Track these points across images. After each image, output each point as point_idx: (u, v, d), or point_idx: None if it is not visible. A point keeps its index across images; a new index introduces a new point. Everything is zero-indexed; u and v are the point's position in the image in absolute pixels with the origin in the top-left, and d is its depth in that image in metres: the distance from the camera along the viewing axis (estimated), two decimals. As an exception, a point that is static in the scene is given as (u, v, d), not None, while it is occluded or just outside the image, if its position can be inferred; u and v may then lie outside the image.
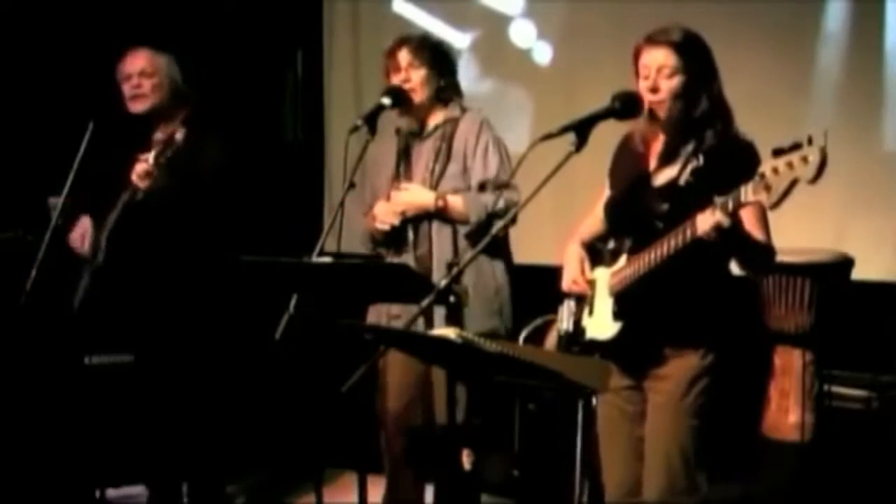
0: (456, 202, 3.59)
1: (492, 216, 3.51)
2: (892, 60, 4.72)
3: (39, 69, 5.00)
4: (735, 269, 2.90)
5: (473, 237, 3.54)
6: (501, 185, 3.56)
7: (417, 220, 3.64)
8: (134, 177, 3.74)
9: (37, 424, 4.23)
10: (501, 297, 3.66)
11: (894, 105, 4.75)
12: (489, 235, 2.82)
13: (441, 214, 3.60)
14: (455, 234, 3.59)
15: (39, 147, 4.72)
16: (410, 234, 3.66)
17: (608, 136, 3.06)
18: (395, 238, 3.69)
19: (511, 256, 3.73)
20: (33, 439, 4.20)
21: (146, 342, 3.94)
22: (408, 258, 3.65)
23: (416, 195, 3.62)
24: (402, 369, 3.70)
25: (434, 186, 3.63)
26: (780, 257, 2.88)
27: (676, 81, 2.85)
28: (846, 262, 4.44)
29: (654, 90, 2.85)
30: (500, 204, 3.51)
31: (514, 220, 2.98)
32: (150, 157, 3.71)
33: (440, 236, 3.62)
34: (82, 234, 4.00)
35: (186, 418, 3.92)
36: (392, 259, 3.71)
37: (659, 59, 2.85)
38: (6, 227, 4.46)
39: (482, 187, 3.60)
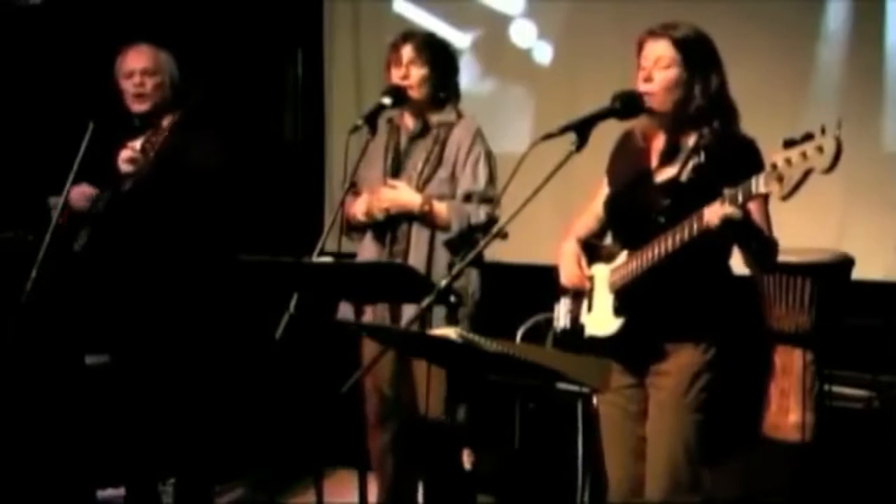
0: (441, 209, 3.58)
1: (473, 228, 3.54)
2: (893, 60, 4.72)
3: (39, 68, 5.00)
4: (741, 267, 2.89)
5: (453, 245, 3.56)
6: (486, 199, 3.59)
7: (398, 219, 3.63)
8: (119, 161, 3.74)
9: (37, 424, 4.22)
10: (471, 301, 3.65)
11: (894, 105, 4.75)
12: (483, 244, 2.82)
13: (424, 218, 3.60)
14: (433, 238, 3.60)
15: (39, 147, 4.72)
16: (388, 232, 3.66)
17: (609, 135, 3.06)
18: (372, 231, 3.69)
19: (483, 261, 3.71)
20: (33, 439, 4.20)
21: (126, 340, 3.91)
22: (382, 254, 3.65)
23: (403, 195, 3.61)
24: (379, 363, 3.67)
25: (420, 188, 3.63)
26: (781, 257, 2.87)
27: (671, 74, 2.85)
28: (846, 262, 4.44)
29: (648, 80, 2.86)
30: (482, 217, 3.54)
31: (505, 236, 2.96)
32: (137, 143, 3.72)
33: (418, 238, 3.61)
34: (81, 192, 3.89)
35: (168, 418, 3.89)
36: (362, 245, 3.71)
37: (657, 51, 2.86)
38: (6, 227, 4.46)
39: (468, 198, 3.61)
